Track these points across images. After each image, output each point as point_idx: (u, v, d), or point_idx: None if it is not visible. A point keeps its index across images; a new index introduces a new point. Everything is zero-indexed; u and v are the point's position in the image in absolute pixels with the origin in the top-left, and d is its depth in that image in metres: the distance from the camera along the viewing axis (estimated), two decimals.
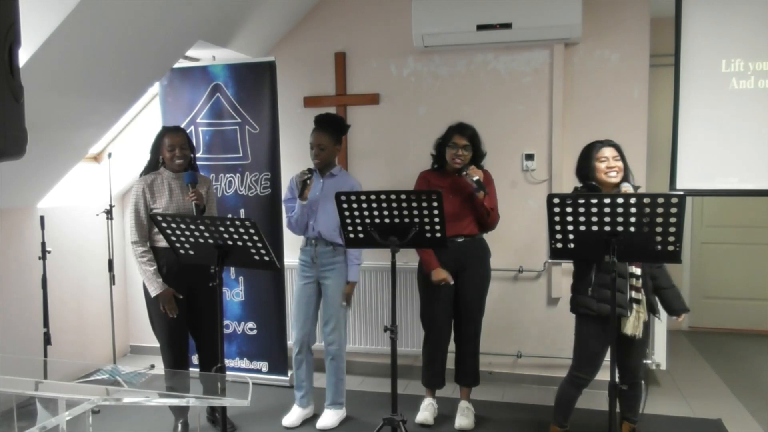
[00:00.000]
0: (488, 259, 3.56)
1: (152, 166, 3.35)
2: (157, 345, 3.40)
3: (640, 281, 2.85)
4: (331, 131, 3.43)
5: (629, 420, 3.06)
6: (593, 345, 2.95)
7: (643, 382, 3.02)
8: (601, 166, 2.89)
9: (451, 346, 3.61)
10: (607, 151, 2.91)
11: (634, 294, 2.84)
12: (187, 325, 3.37)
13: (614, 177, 2.88)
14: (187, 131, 3.59)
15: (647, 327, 2.93)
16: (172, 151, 3.27)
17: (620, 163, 2.90)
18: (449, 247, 3.10)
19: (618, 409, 2.71)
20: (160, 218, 2.77)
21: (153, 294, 3.21)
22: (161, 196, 3.27)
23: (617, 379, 2.60)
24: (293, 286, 3.82)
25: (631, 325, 2.84)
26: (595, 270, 2.88)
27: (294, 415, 3.60)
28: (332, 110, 4.38)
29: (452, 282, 3.41)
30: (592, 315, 2.90)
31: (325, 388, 3.63)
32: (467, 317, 3.51)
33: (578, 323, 3.01)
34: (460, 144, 3.38)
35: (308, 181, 3.32)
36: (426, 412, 3.56)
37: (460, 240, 3.41)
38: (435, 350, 3.56)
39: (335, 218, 3.33)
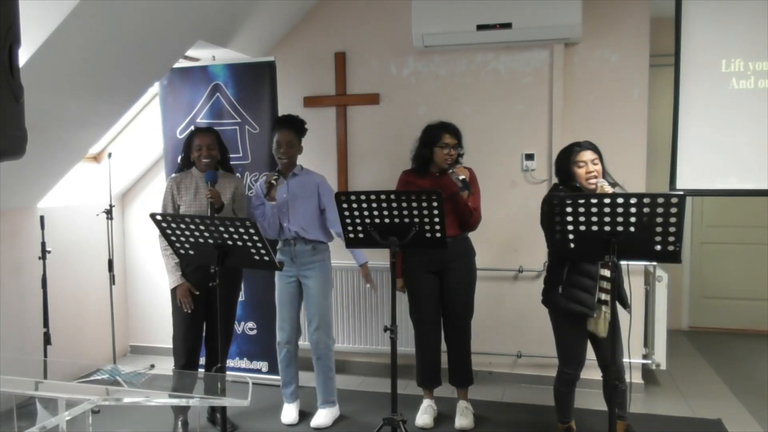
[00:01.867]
0: (473, 258, 3.54)
1: (184, 165, 3.46)
2: (157, 345, 3.41)
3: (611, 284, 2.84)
4: (295, 130, 3.48)
5: (620, 417, 3.08)
6: (570, 341, 2.98)
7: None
8: (580, 171, 2.87)
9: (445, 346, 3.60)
10: (586, 155, 2.87)
11: (603, 296, 2.85)
12: (204, 322, 3.42)
13: (593, 183, 2.84)
14: (187, 131, 3.59)
15: (614, 325, 2.93)
16: (199, 150, 3.37)
17: (599, 167, 2.87)
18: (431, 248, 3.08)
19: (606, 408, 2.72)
20: (159, 218, 2.78)
21: (171, 286, 3.32)
22: (187, 193, 3.37)
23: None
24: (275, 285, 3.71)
25: (601, 327, 2.87)
26: (568, 269, 2.89)
27: (292, 412, 3.61)
28: (332, 110, 4.39)
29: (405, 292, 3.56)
30: (561, 312, 2.93)
31: (315, 388, 3.61)
32: (454, 317, 3.49)
33: (553, 320, 3.04)
34: (451, 143, 3.38)
35: (274, 182, 3.34)
36: (425, 415, 3.55)
37: None
38: (425, 348, 3.56)
39: (309, 214, 3.44)
